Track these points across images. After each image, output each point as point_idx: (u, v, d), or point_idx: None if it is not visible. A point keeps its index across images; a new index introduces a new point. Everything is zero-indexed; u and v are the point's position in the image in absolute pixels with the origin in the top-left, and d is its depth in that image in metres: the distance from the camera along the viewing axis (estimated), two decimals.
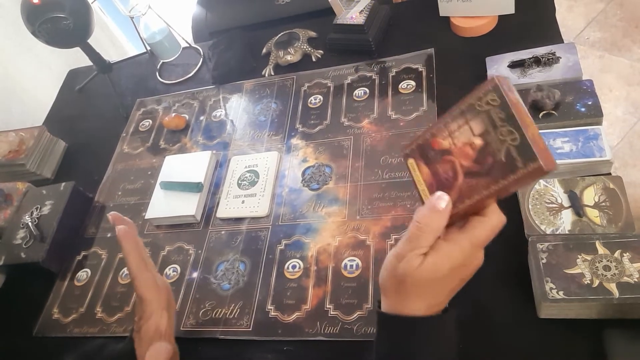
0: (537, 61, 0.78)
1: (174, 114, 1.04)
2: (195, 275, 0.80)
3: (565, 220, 0.62)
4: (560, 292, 0.55)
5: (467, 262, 0.44)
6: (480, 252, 0.45)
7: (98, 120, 1.15)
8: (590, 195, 0.63)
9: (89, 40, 1.09)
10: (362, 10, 0.96)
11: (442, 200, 0.42)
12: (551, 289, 0.56)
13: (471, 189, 0.42)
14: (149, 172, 0.98)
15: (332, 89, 0.96)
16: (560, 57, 0.77)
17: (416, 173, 0.47)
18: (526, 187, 0.64)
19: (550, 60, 0.77)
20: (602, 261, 0.56)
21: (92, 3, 1.06)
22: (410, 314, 0.44)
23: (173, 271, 0.82)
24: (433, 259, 0.43)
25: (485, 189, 0.41)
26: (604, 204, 0.62)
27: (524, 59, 0.79)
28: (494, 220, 0.43)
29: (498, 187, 0.40)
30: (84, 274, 0.87)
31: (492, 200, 0.43)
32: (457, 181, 0.43)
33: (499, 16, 0.90)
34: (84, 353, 0.65)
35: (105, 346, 0.63)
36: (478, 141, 0.42)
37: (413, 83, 0.89)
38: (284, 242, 0.78)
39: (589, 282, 0.55)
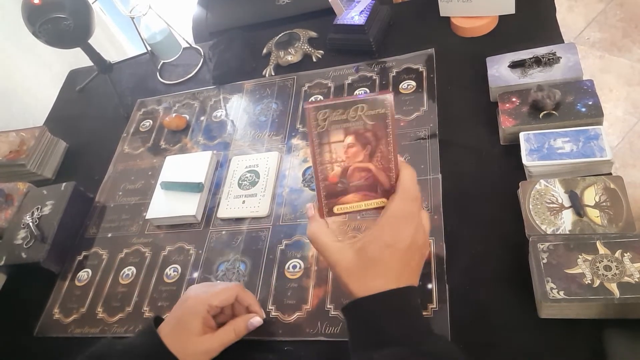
0: (537, 61, 0.78)
1: (174, 114, 1.04)
2: (195, 275, 0.80)
3: (566, 220, 0.62)
4: (561, 292, 0.55)
5: (409, 222, 0.51)
6: (419, 212, 0.52)
7: (99, 120, 1.15)
8: (590, 195, 0.63)
9: (89, 41, 1.10)
10: (362, 11, 0.96)
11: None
12: (552, 289, 0.56)
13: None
14: (150, 173, 0.98)
15: (332, 89, 0.96)
16: (561, 57, 0.77)
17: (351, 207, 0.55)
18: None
19: (550, 60, 0.77)
20: (602, 261, 0.56)
21: (92, 3, 1.06)
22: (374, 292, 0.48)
23: (174, 271, 0.82)
24: (371, 230, 0.51)
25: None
26: (604, 204, 0.62)
27: (525, 59, 0.79)
28: (405, 172, 0.52)
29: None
30: (84, 274, 0.87)
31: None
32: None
33: (500, 16, 0.90)
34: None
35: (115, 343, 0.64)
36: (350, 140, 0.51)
37: (413, 83, 0.89)
38: (285, 242, 0.78)
39: (589, 282, 0.55)
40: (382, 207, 0.53)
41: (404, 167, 0.53)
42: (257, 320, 0.67)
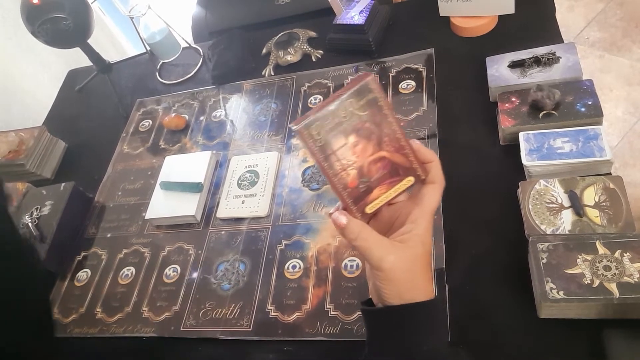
0: (537, 61, 0.78)
1: (173, 114, 1.04)
2: (195, 275, 0.80)
3: (566, 220, 0.62)
4: (561, 292, 0.55)
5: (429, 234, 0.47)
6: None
7: (98, 120, 1.15)
8: (590, 195, 0.63)
9: (88, 41, 1.09)
10: (362, 10, 0.96)
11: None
12: (551, 289, 0.56)
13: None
14: (149, 172, 0.98)
15: (332, 89, 0.96)
16: (560, 57, 0.77)
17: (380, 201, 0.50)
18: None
19: (550, 60, 0.77)
20: (602, 261, 0.56)
21: (92, 3, 1.06)
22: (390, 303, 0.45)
23: (173, 271, 0.82)
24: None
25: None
26: (604, 203, 0.62)
27: (524, 59, 0.79)
28: (441, 184, 0.47)
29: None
30: (84, 274, 0.87)
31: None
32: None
33: (499, 16, 0.90)
34: None
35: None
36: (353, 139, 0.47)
37: (413, 83, 0.89)
38: (284, 242, 0.78)
39: (589, 282, 0.55)
40: (410, 186, 0.49)
41: (432, 156, 0.47)
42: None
